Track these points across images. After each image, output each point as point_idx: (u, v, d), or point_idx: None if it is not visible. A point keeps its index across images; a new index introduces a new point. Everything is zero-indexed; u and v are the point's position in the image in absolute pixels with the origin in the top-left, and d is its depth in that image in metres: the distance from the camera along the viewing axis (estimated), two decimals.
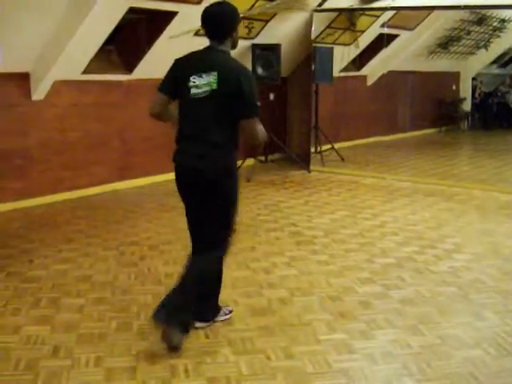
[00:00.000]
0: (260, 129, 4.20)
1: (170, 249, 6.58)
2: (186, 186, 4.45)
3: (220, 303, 4.76)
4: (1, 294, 5.29)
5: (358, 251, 6.56)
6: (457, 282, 5.63)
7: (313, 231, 7.30)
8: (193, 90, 4.24)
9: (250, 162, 10.48)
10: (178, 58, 4.45)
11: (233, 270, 5.75)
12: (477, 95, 19.58)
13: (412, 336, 4.50)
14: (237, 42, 4.45)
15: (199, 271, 4.40)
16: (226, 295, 5.08)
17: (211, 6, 4.36)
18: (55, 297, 5.22)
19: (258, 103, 4.21)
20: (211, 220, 4.40)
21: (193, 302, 4.33)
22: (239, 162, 10.21)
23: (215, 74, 4.19)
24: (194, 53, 4.43)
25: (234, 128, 4.28)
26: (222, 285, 4.79)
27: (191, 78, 4.24)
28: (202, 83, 4.21)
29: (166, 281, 5.61)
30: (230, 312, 4.78)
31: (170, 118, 4.55)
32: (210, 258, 4.45)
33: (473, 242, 6.94)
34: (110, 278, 5.71)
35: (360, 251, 6.56)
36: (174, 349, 4.20)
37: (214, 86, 4.19)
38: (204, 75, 4.21)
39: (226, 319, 4.71)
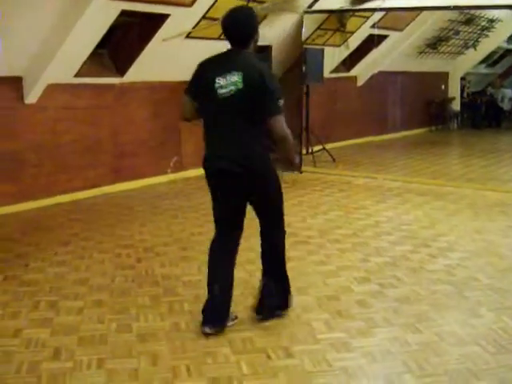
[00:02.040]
0: (284, 126, 4.30)
1: (166, 251, 6.61)
2: (219, 186, 4.59)
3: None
4: None
5: (352, 251, 6.61)
6: (452, 280, 5.68)
7: (307, 231, 7.33)
8: (219, 91, 4.34)
9: None
10: (201, 61, 4.59)
11: None
12: (465, 95, 19.69)
13: (410, 334, 4.54)
14: (257, 43, 4.57)
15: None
16: None
17: (230, 13, 4.49)
18: (54, 300, 5.24)
19: (282, 101, 4.29)
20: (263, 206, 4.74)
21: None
22: None
23: (240, 73, 4.30)
24: (217, 55, 4.55)
25: (260, 125, 4.36)
26: None
27: (216, 80, 4.35)
28: (226, 83, 4.32)
29: (163, 283, 5.64)
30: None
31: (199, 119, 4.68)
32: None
33: (466, 240, 7.00)
34: (107, 281, 5.72)
35: (355, 251, 6.60)
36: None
37: (240, 86, 4.30)
38: (228, 75, 4.32)
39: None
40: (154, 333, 4.56)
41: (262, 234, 4.81)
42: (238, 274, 5.71)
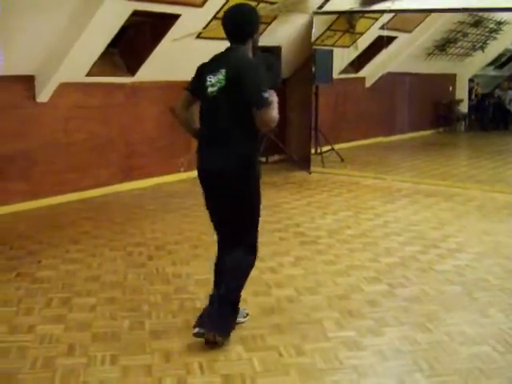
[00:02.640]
0: (271, 117, 4.22)
1: (177, 249, 6.67)
2: (208, 183, 4.58)
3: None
4: (13, 294, 5.36)
5: (362, 251, 6.65)
6: (461, 281, 5.72)
7: (316, 231, 7.38)
8: (209, 89, 4.36)
9: None
10: (202, 62, 4.56)
11: None
12: (473, 97, 19.68)
13: (420, 333, 4.58)
14: (257, 42, 4.51)
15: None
16: None
17: (230, 8, 4.48)
18: (66, 297, 5.29)
19: (267, 93, 4.20)
20: (236, 216, 4.53)
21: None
22: None
23: (224, 71, 4.28)
24: (215, 55, 4.52)
25: (249, 122, 4.29)
26: None
27: (207, 78, 4.37)
28: (214, 81, 4.33)
29: (174, 280, 5.70)
30: (247, 315, 4.83)
31: (184, 119, 4.68)
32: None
33: (475, 241, 7.04)
34: (119, 278, 5.78)
35: (364, 251, 6.65)
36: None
37: (223, 83, 4.29)
38: (217, 73, 4.32)
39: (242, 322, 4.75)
40: (167, 330, 4.61)
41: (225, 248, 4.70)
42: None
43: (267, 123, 4.24)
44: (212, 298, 4.49)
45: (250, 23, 4.41)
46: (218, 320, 4.36)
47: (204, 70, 4.45)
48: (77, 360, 4.16)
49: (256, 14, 4.51)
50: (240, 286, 4.55)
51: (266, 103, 4.19)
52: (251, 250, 4.61)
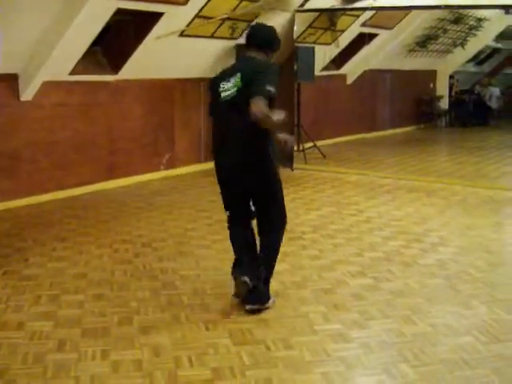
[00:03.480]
0: (261, 107, 4.39)
1: (163, 245, 6.72)
2: (229, 177, 4.91)
3: (218, 296, 4.97)
4: (0, 292, 5.38)
5: (346, 246, 6.73)
6: (444, 274, 5.82)
7: (301, 227, 7.44)
8: (222, 94, 4.72)
9: None
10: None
11: (226, 266, 5.88)
12: (453, 93, 19.83)
13: (404, 325, 4.67)
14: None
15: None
16: (221, 289, 5.32)
17: (260, 24, 5.17)
18: (54, 294, 5.33)
19: (271, 89, 4.47)
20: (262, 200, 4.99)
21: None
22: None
23: (239, 74, 4.65)
24: (227, 67, 4.95)
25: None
26: (219, 277, 5.18)
27: (221, 85, 4.74)
28: (229, 86, 4.69)
29: (161, 276, 5.75)
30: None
31: None
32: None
33: (458, 235, 7.14)
34: (106, 275, 5.82)
35: (348, 246, 6.73)
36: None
37: (239, 85, 4.63)
38: (231, 78, 4.69)
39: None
40: (155, 325, 4.67)
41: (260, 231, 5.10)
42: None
43: (254, 111, 4.41)
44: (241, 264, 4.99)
45: (274, 39, 4.93)
46: (262, 294, 4.92)
47: (216, 82, 4.82)
48: (67, 355, 4.20)
49: (276, 33, 5.01)
50: (275, 262, 5.06)
51: (263, 93, 4.43)
52: (280, 226, 5.07)
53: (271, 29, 4.98)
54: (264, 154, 4.79)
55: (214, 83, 4.86)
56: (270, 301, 4.98)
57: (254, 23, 5.02)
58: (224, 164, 4.86)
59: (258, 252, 5.03)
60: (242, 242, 5.08)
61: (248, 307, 4.86)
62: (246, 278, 4.78)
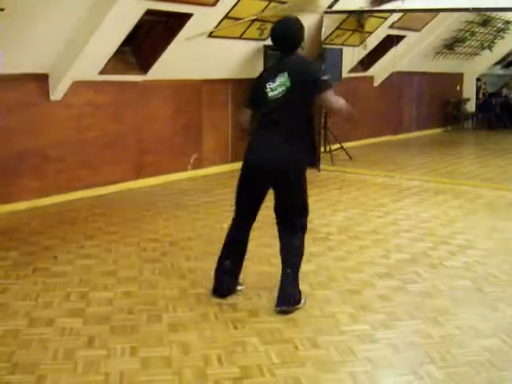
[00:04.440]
0: (334, 98, 4.71)
1: (191, 245, 6.76)
2: (266, 176, 4.97)
3: (246, 296, 5.10)
4: (30, 288, 5.45)
5: (372, 247, 6.74)
6: (471, 277, 5.82)
7: (327, 228, 7.47)
8: (270, 94, 4.80)
9: None
10: (258, 75, 5.15)
11: (253, 265, 5.94)
12: (481, 95, 19.74)
13: (431, 327, 4.68)
14: (303, 47, 5.01)
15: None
16: (249, 289, 5.36)
17: (279, 23, 5.03)
18: (84, 291, 5.39)
19: (327, 77, 4.77)
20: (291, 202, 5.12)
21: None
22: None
23: (286, 73, 4.74)
24: (270, 65, 5.18)
25: (310, 119, 4.90)
26: (246, 279, 5.30)
27: (267, 85, 4.82)
28: (276, 86, 4.78)
29: (189, 276, 5.79)
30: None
31: (248, 130, 5.21)
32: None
33: (484, 238, 7.13)
34: (134, 273, 5.87)
35: (375, 247, 6.74)
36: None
37: (288, 84, 4.73)
38: (278, 78, 4.78)
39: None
40: (184, 323, 4.72)
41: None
42: (262, 267, 5.94)
43: (329, 104, 4.78)
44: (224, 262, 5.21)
45: (300, 33, 4.93)
46: (294, 295, 4.97)
47: (262, 81, 4.92)
48: (97, 352, 4.25)
49: (301, 23, 4.98)
50: (300, 265, 5.07)
51: (327, 86, 4.70)
52: (302, 230, 5.15)
53: (294, 25, 4.95)
54: (305, 155, 4.95)
55: (261, 80, 4.95)
56: (301, 302, 5.01)
57: (274, 25, 5.02)
58: (261, 161, 4.89)
59: (283, 255, 5.07)
60: (237, 248, 5.22)
61: (279, 309, 4.90)
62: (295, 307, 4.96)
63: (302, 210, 5.12)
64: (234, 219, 5.21)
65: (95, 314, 4.90)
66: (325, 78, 4.77)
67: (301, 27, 4.95)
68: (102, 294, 5.35)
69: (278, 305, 4.91)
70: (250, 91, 5.12)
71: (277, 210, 5.11)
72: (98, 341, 4.42)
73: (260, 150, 4.91)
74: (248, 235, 5.22)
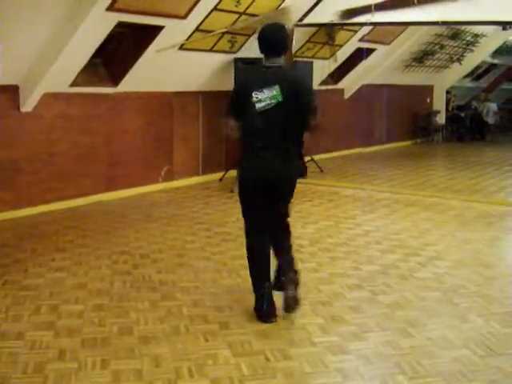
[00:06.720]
0: (316, 123, 5.00)
1: (162, 257, 6.75)
2: (265, 189, 5.01)
3: (217, 308, 5.05)
4: (1, 301, 5.40)
5: (344, 259, 6.77)
6: (441, 288, 5.87)
7: (299, 240, 7.44)
8: (257, 105, 4.81)
9: (232, 173, 10.62)
10: (239, 80, 5.10)
11: (224, 278, 5.96)
12: (450, 108, 19.95)
13: (402, 338, 4.70)
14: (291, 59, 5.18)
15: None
16: (220, 301, 5.36)
17: (268, 28, 5.02)
18: (54, 304, 5.36)
19: (315, 103, 4.94)
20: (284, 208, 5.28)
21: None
22: (222, 174, 10.43)
23: (278, 87, 4.78)
24: (253, 72, 5.22)
25: (298, 132, 4.97)
26: (217, 291, 5.34)
27: (253, 94, 4.81)
28: (265, 97, 4.79)
29: (160, 288, 5.78)
30: None
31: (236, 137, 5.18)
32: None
33: (454, 249, 7.20)
34: (105, 286, 5.85)
35: (346, 259, 6.77)
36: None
37: (280, 98, 4.79)
38: (266, 90, 4.80)
39: None
40: (155, 336, 4.70)
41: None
42: (233, 280, 5.94)
43: (315, 128, 5.00)
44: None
45: (287, 40, 5.06)
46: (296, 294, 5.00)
47: (247, 89, 4.90)
48: (68, 365, 4.23)
49: (286, 30, 5.12)
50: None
51: (316, 110, 4.93)
52: (290, 231, 5.38)
53: (283, 29, 5.06)
54: (297, 164, 5.21)
55: (244, 88, 4.96)
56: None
57: (265, 28, 5.01)
58: (260, 173, 4.95)
59: (282, 259, 5.20)
60: (266, 254, 5.20)
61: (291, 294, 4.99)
62: (292, 292, 4.97)
63: (288, 212, 5.34)
64: (250, 232, 5.23)
65: (66, 327, 4.87)
66: (315, 102, 4.94)
67: (287, 35, 5.07)
68: (73, 306, 5.32)
69: (288, 296, 4.97)
70: (231, 98, 5.09)
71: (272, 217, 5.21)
72: (69, 354, 4.40)
73: (259, 161, 4.93)
74: (268, 240, 5.24)
